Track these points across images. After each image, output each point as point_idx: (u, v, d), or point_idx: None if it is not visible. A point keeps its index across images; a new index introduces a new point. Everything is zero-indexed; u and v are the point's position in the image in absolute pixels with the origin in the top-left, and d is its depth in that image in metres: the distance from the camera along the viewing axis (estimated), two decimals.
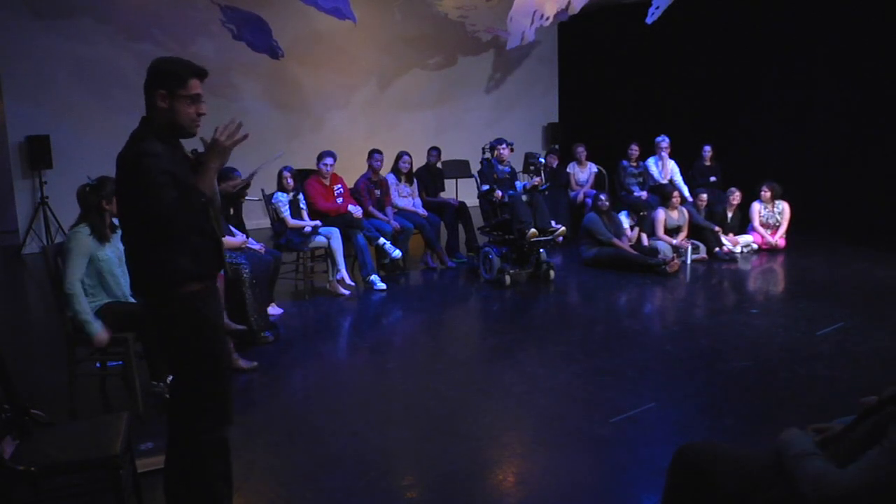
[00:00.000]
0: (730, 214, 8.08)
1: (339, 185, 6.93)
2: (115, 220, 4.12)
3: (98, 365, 4.24)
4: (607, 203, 7.48)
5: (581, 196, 9.10)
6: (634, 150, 9.02)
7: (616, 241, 7.37)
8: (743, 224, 8.22)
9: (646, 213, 7.91)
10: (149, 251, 2.46)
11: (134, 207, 2.44)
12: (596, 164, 9.73)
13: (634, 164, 9.04)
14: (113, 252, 3.98)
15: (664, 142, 8.93)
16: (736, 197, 8.09)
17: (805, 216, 8.50)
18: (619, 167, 9.12)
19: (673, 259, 7.13)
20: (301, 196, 6.63)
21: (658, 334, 5.47)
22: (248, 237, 5.58)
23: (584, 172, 9.37)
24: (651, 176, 8.89)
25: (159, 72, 2.49)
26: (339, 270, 6.60)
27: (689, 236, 7.75)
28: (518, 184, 7.20)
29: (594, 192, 9.12)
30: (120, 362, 4.10)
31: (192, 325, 2.50)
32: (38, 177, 8.81)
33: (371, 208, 7.20)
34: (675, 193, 7.82)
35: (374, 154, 7.37)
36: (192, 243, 2.48)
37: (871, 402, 1.95)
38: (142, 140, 2.43)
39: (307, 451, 3.49)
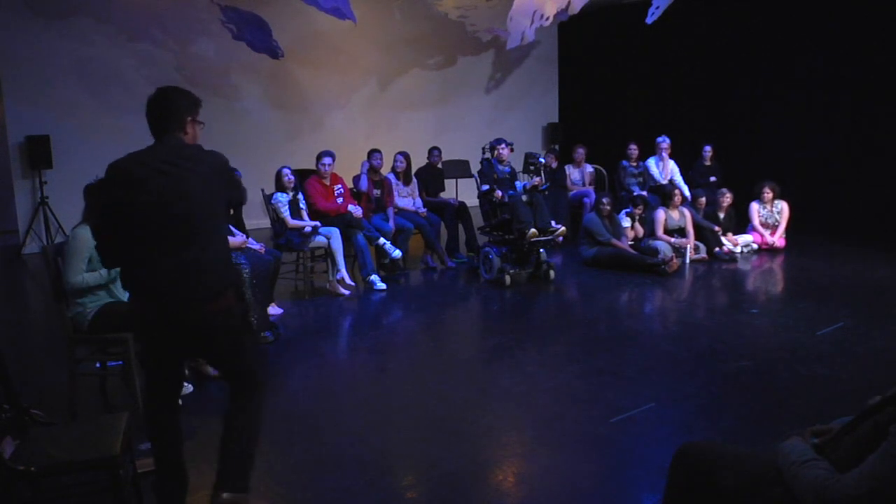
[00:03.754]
0: (721, 215, 8.06)
1: (340, 185, 6.93)
2: None
3: (98, 365, 4.23)
4: (608, 207, 7.47)
5: (576, 192, 9.12)
6: (633, 149, 9.03)
7: (615, 241, 7.38)
8: (740, 224, 8.21)
9: (642, 206, 7.90)
10: (224, 252, 2.76)
11: (223, 208, 2.78)
12: (596, 164, 9.74)
13: (634, 164, 9.05)
14: None
15: (664, 142, 8.93)
16: (727, 198, 8.07)
17: (805, 216, 8.50)
18: (619, 167, 9.13)
19: (672, 259, 7.12)
20: (301, 196, 6.64)
21: (658, 334, 5.47)
22: (248, 237, 5.58)
23: (577, 171, 9.39)
24: (651, 176, 8.90)
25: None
26: (339, 270, 6.60)
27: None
28: (518, 184, 7.20)
29: (590, 190, 9.15)
30: (120, 362, 4.11)
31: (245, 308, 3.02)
32: (38, 177, 8.81)
33: (360, 184, 7.28)
34: (677, 192, 7.81)
35: (374, 153, 7.41)
36: None
37: (874, 402, 1.94)
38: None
39: (307, 451, 3.49)
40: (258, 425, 2.82)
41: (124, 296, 4.06)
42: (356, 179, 7.44)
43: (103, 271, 3.88)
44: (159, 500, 2.80)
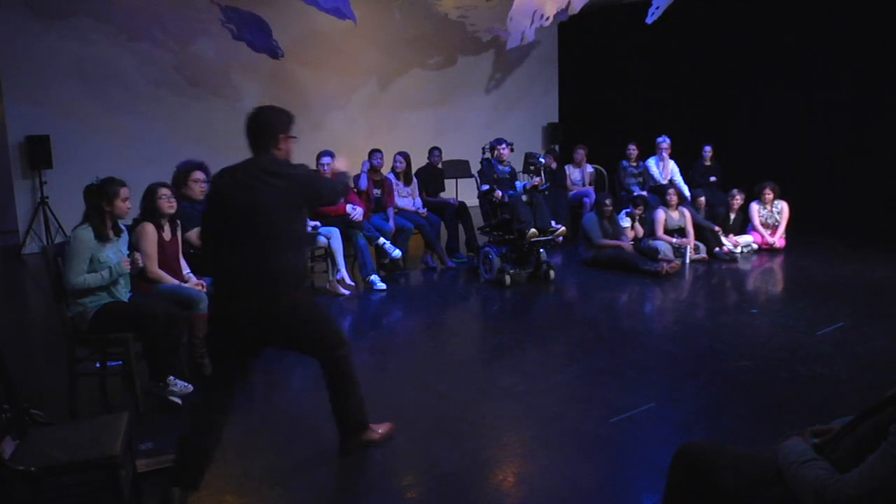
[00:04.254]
0: (732, 216, 8.07)
1: None
2: (123, 225, 4.14)
3: (98, 365, 4.23)
4: (610, 207, 7.47)
5: (576, 192, 9.13)
6: (633, 150, 9.04)
7: (605, 241, 7.37)
8: (744, 224, 8.22)
9: (642, 206, 7.90)
10: (290, 256, 2.99)
11: (295, 218, 3.01)
12: (596, 164, 9.74)
13: (634, 164, 9.05)
14: (115, 254, 3.97)
15: (665, 142, 8.93)
16: (738, 199, 8.08)
17: (805, 216, 8.50)
18: (619, 167, 9.13)
19: (673, 261, 7.11)
20: None
21: (658, 334, 5.47)
22: None
23: (577, 171, 9.39)
24: (651, 176, 8.90)
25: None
26: (339, 270, 6.60)
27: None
28: (518, 184, 7.20)
29: (590, 190, 9.15)
30: (120, 362, 4.11)
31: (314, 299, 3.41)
32: (38, 177, 8.81)
33: (360, 184, 7.30)
34: (671, 192, 7.78)
35: (375, 153, 7.41)
36: None
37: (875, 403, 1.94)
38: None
39: (307, 451, 3.49)
40: (353, 377, 3.29)
41: (125, 296, 4.07)
42: (356, 179, 7.44)
43: (105, 272, 3.88)
44: (188, 442, 2.97)
